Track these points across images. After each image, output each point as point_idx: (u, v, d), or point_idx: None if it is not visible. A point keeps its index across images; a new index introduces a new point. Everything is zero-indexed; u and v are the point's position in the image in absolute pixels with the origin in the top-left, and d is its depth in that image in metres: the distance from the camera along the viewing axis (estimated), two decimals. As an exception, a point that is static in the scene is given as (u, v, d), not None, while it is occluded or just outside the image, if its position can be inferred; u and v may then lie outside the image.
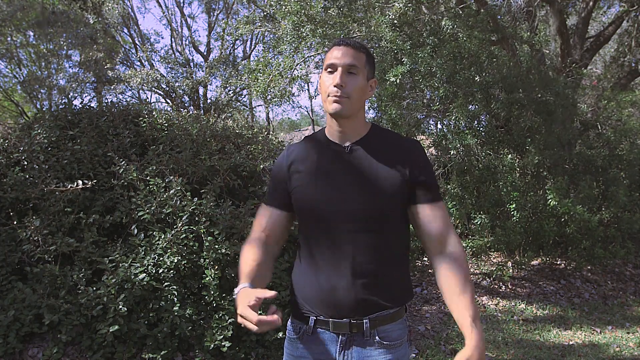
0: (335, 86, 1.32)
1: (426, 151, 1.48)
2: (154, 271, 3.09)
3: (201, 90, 15.47)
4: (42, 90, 10.73)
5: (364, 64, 1.37)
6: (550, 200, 4.99)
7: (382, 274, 1.35)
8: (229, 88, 14.72)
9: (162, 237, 3.19)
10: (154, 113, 4.41)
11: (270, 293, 1.17)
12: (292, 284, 1.46)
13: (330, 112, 1.35)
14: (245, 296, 1.19)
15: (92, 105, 4.41)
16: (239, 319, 1.18)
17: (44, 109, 5.37)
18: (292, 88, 7.85)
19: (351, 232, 1.33)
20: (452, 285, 1.29)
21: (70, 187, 3.24)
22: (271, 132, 7.72)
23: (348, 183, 1.35)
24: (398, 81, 5.28)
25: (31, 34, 10.79)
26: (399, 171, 1.35)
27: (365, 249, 1.33)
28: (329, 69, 1.36)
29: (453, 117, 5.39)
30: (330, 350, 1.37)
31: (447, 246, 1.34)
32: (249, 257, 1.37)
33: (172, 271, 3.12)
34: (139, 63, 15.15)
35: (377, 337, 1.35)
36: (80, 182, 3.24)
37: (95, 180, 3.42)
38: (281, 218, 1.46)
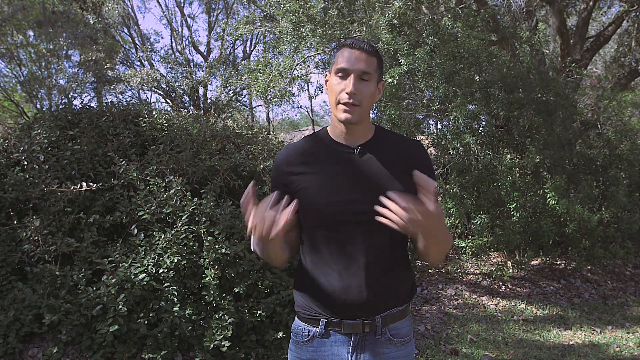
0: (347, 94, 1.30)
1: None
2: (154, 271, 3.09)
3: (201, 90, 15.46)
4: (42, 90, 10.71)
5: (375, 68, 1.34)
6: (549, 199, 4.99)
7: (391, 272, 1.36)
8: (229, 88, 14.71)
9: (162, 237, 3.19)
10: (154, 113, 4.41)
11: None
12: (298, 286, 1.44)
13: (341, 121, 1.33)
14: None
15: (92, 105, 4.42)
16: (249, 227, 1.18)
17: (44, 109, 5.37)
18: (292, 88, 7.85)
19: (361, 233, 1.32)
20: None
21: (73, 188, 3.23)
22: (271, 132, 7.73)
23: (358, 185, 1.34)
24: (395, 82, 5.28)
25: (31, 34, 10.79)
26: (404, 173, 1.35)
27: (374, 249, 1.33)
28: (339, 74, 1.33)
29: (452, 117, 5.39)
30: (342, 352, 1.36)
31: None
32: None
33: (172, 271, 3.12)
34: (139, 63, 15.13)
35: (388, 335, 1.36)
36: (84, 184, 3.24)
37: (100, 184, 3.41)
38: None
